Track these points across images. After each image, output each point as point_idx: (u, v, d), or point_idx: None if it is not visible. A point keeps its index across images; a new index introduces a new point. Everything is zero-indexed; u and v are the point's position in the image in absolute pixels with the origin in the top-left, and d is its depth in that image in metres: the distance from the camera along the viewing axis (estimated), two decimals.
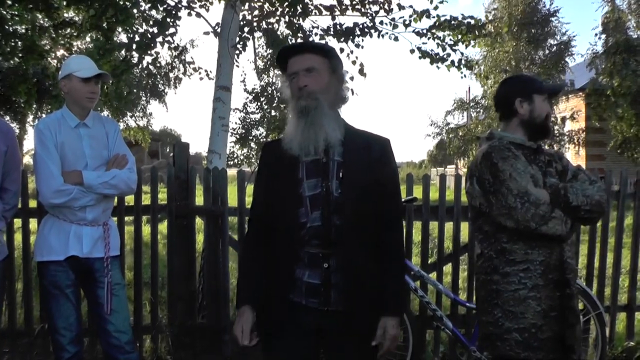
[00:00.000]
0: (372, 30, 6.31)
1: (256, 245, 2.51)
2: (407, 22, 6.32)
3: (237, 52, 5.92)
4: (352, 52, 6.45)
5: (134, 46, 6.00)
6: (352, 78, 6.32)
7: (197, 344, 4.65)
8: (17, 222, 4.45)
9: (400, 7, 6.27)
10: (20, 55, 7.72)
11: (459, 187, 4.79)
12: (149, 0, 5.96)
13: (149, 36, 5.94)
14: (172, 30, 5.97)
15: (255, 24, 6.29)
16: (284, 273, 2.39)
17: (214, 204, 4.68)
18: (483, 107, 23.50)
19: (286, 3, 5.94)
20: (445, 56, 6.44)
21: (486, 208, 2.74)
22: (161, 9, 5.93)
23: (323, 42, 6.23)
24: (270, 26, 6.48)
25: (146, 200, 4.70)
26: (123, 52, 6.31)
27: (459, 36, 6.38)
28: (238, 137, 10.90)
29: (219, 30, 5.87)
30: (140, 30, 6.08)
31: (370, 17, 6.32)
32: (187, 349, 4.61)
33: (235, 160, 11.09)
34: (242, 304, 2.45)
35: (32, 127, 20.11)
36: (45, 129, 3.24)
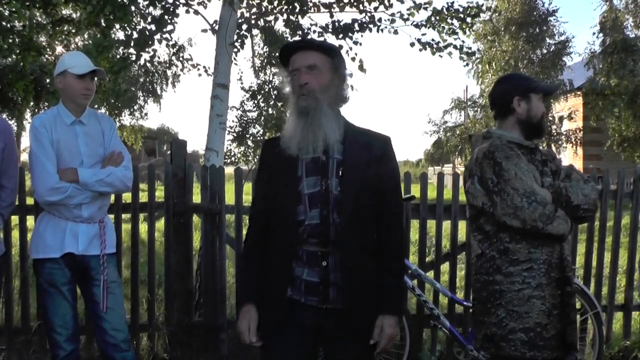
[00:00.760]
0: (371, 25, 6.31)
1: (257, 243, 2.51)
2: (405, 17, 6.32)
3: (235, 49, 5.91)
4: (351, 48, 6.45)
5: (132, 43, 5.98)
6: (351, 74, 6.34)
7: (194, 342, 4.65)
8: (15, 219, 4.43)
9: (401, 1, 6.27)
10: (18, 52, 7.70)
11: (457, 185, 4.79)
12: None
13: (147, 33, 5.92)
14: (170, 27, 5.96)
15: (253, 21, 6.28)
16: (283, 270, 2.38)
17: (211, 202, 4.67)
18: (480, 106, 23.52)
19: (284, 0, 5.93)
20: (446, 44, 6.43)
21: (489, 208, 2.73)
22: (159, 6, 5.91)
23: (322, 39, 6.22)
24: (268, 24, 6.47)
25: (143, 197, 4.70)
26: (121, 49, 6.29)
27: (458, 23, 6.37)
28: (235, 135, 10.88)
29: (216, 27, 5.86)
30: (138, 27, 6.06)
31: (369, 14, 6.31)
32: (184, 347, 4.61)
33: (232, 158, 11.07)
34: (245, 302, 2.46)
35: (29, 124, 20.05)
36: (41, 126, 3.22)
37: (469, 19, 6.39)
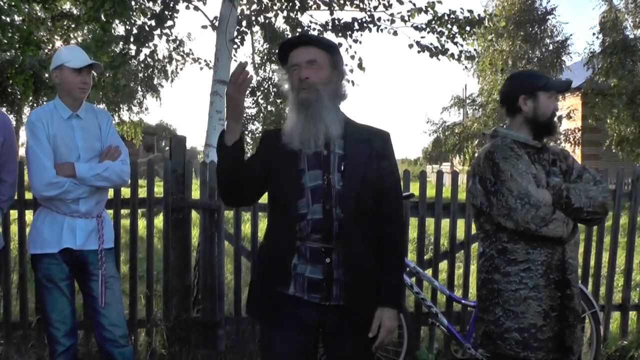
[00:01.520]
0: (371, 25, 6.30)
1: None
2: (405, 18, 6.31)
3: (235, 46, 5.90)
4: (350, 46, 6.44)
5: (132, 39, 5.98)
6: (351, 71, 6.35)
7: (192, 338, 4.65)
8: (13, 214, 4.43)
9: (400, 2, 6.26)
10: (17, 46, 7.68)
11: (455, 184, 4.79)
12: None
13: (147, 29, 5.92)
14: (170, 23, 5.95)
15: (253, 18, 6.27)
16: (283, 264, 2.37)
17: (210, 198, 4.66)
18: (479, 105, 23.53)
19: None
20: (444, 49, 6.42)
21: (487, 208, 2.73)
22: (159, 1, 5.91)
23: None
24: (268, 21, 6.47)
25: (142, 193, 4.69)
26: (120, 44, 6.29)
27: (457, 29, 6.36)
28: None
29: (217, 24, 5.85)
30: (138, 22, 6.06)
31: (368, 13, 6.31)
32: (182, 343, 4.61)
33: None
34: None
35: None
36: (37, 121, 3.21)
37: (468, 27, 6.39)
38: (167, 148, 4.90)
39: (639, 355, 4.77)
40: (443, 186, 4.95)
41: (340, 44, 6.26)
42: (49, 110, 3.28)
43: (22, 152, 4.80)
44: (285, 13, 6.30)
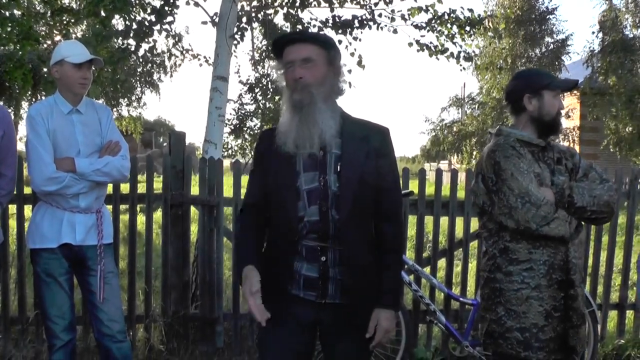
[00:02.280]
0: (371, 23, 6.29)
1: (253, 223, 2.46)
2: (405, 17, 6.31)
3: (235, 42, 5.89)
4: (350, 44, 6.44)
5: (132, 34, 5.96)
6: (350, 71, 6.34)
7: (190, 333, 4.65)
8: (12, 208, 4.43)
9: None
10: (16, 40, 7.66)
11: (454, 182, 4.80)
12: None
13: (147, 24, 5.91)
14: (170, 18, 5.94)
15: (253, 14, 6.26)
16: (282, 266, 2.37)
17: (209, 194, 4.67)
18: (478, 103, 23.52)
19: None
20: (444, 49, 6.42)
21: (489, 207, 2.73)
22: None
23: (322, 33, 6.20)
24: (268, 17, 6.46)
25: (141, 189, 4.69)
26: (120, 39, 6.27)
27: (457, 29, 6.35)
28: (232, 128, 10.86)
29: (217, 20, 5.84)
30: (138, 18, 6.04)
31: (369, 10, 6.30)
32: (180, 338, 4.61)
33: (229, 151, 11.05)
34: (244, 264, 2.36)
35: (26, 113, 19.99)
36: (37, 115, 3.21)
37: (468, 27, 6.38)
38: (165, 144, 4.89)
39: (636, 354, 4.79)
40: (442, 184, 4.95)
41: (340, 41, 6.26)
42: (49, 105, 3.28)
43: (21, 146, 4.79)
44: (285, 9, 6.29)
